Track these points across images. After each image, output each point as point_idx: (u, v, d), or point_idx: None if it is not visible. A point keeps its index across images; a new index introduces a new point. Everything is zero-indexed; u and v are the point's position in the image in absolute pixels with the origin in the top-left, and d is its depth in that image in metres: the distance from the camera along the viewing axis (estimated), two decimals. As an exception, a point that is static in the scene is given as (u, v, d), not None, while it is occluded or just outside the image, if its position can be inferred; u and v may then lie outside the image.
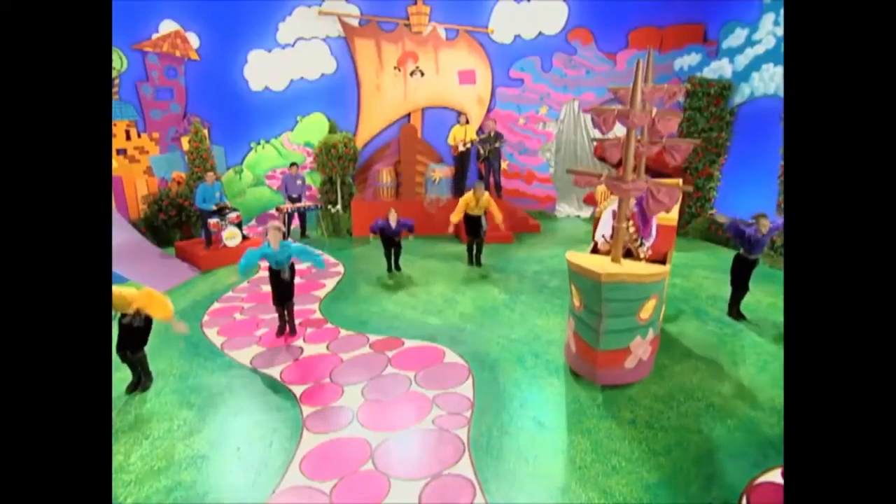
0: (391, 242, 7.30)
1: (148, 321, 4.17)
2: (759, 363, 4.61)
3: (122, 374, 4.22)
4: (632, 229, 4.29)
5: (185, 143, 9.31)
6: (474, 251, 7.62)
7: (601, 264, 3.87)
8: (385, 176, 9.68)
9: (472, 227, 7.55)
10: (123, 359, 4.17)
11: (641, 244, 4.36)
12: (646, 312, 3.89)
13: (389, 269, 7.46)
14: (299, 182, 9.13)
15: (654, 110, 3.65)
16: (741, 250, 5.53)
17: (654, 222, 4.48)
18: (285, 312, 5.27)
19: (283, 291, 5.18)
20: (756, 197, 8.52)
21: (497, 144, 9.27)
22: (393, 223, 7.15)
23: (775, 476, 3.16)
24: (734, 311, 5.62)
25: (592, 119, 4.10)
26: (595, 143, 4.69)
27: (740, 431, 3.61)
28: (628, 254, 4.26)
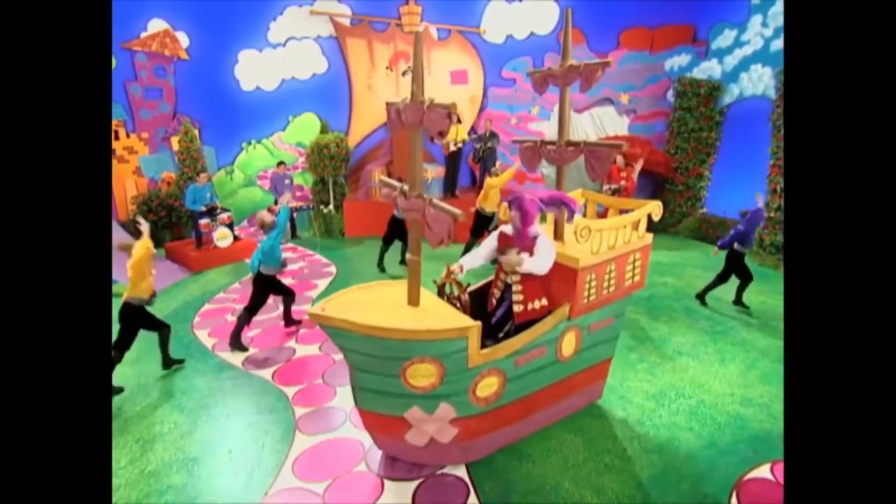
0: (399, 228, 6.87)
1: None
2: (748, 360, 4.67)
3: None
4: (515, 275, 3.24)
5: (175, 143, 9.23)
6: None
7: (340, 302, 2.95)
8: (377, 176, 9.67)
9: (478, 227, 7.18)
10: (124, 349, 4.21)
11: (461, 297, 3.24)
12: (419, 379, 2.84)
13: (380, 265, 7.20)
14: (287, 181, 9.09)
15: (428, 101, 2.62)
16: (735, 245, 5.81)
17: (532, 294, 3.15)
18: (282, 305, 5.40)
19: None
20: (745, 196, 8.62)
21: (490, 144, 9.29)
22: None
23: (765, 472, 3.20)
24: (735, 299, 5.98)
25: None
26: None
27: (730, 428, 3.65)
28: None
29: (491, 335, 3.30)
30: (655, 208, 3.54)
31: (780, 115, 7.76)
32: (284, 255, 8.35)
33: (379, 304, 2.99)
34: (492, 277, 3.54)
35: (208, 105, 9.57)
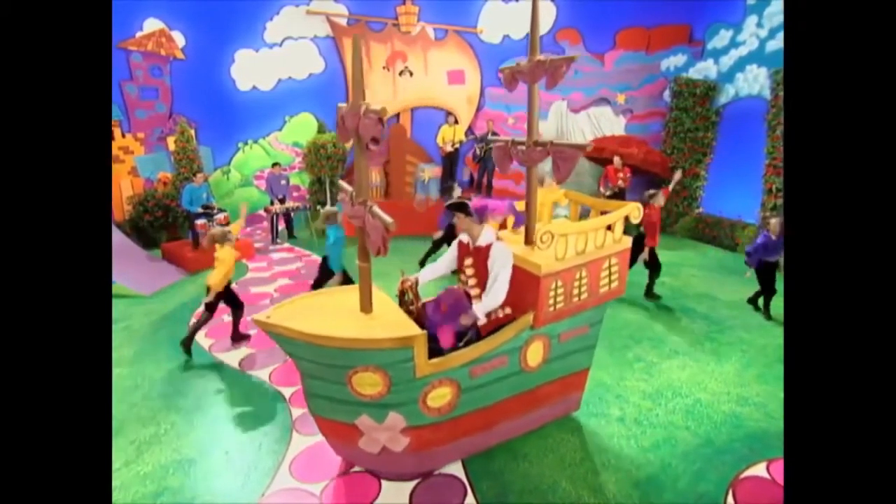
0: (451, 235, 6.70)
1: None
2: (744, 360, 4.69)
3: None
4: (471, 282, 3.11)
5: (171, 143, 9.19)
6: None
7: (293, 308, 2.95)
8: (374, 176, 9.67)
9: None
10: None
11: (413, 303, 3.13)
12: (366, 387, 2.77)
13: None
14: (283, 182, 9.08)
15: (364, 107, 2.54)
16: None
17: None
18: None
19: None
20: (741, 195, 8.67)
21: (491, 144, 9.28)
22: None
23: (760, 470, 3.21)
24: (764, 311, 5.74)
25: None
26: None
27: (726, 427, 3.66)
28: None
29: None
30: (635, 210, 3.33)
31: (775, 115, 7.80)
32: (280, 255, 8.34)
33: (331, 310, 2.94)
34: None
35: (205, 105, 9.55)
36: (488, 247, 3.03)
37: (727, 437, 3.55)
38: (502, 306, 3.12)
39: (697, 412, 3.84)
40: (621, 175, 8.93)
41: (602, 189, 9.16)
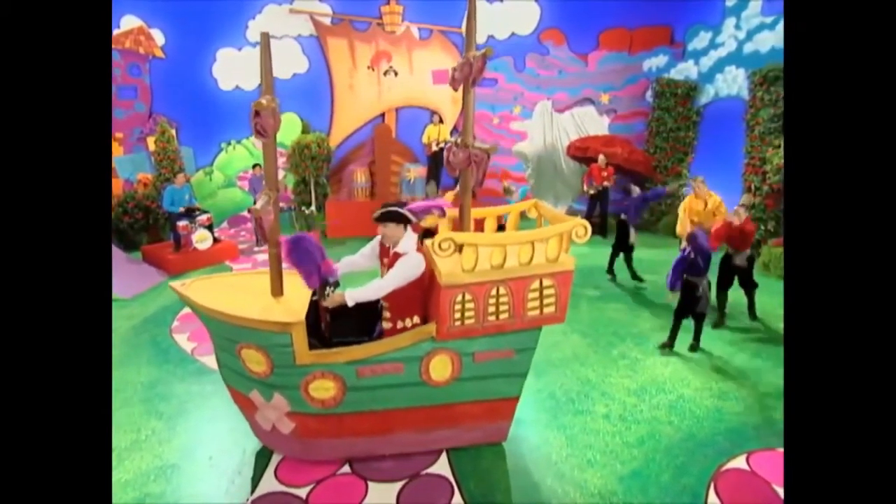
0: None
1: None
2: (726, 355, 4.78)
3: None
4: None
5: (151, 143, 9.02)
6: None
7: (215, 282, 3.26)
8: (359, 176, 9.61)
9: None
10: None
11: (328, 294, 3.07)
12: (253, 363, 2.91)
13: None
14: (265, 183, 8.99)
15: (275, 101, 2.80)
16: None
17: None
18: None
19: None
20: (721, 194, 8.82)
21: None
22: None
23: (741, 463, 3.28)
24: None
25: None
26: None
27: (708, 421, 3.73)
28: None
29: None
30: (579, 227, 2.86)
31: (753, 116, 7.97)
32: (265, 256, 8.22)
33: (246, 289, 3.16)
34: None
35: (186, 105, 9.39)
36: (402, 254, 2.93)
37: (709, 430, 3.62)
38: (409, 315, 3.00)
39: (680, 407, 3.91)
40: (605, 174, 9.03)
41: (586, 188, 9.25)
